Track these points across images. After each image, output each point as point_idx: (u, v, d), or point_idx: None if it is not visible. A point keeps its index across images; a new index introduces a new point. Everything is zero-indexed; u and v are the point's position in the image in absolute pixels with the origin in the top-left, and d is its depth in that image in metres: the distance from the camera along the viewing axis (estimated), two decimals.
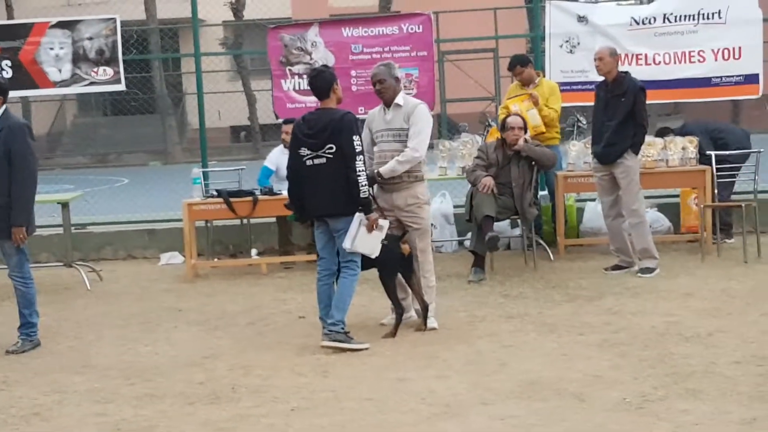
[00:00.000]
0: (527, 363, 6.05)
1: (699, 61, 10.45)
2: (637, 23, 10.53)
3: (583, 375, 5.73)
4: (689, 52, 10.46)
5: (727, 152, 9.63)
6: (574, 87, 10.57)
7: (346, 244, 6.55)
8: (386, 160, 6.99)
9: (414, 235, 7.05)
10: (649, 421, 4.93)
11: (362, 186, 6.50)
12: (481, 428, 4.98)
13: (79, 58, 10.70)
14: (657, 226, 10.15)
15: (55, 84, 10.86)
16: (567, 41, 10.61)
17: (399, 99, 7.04)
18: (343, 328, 6.56)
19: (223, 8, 26.72)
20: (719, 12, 10.35)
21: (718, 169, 9.49)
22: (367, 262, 6.77)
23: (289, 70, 10.66)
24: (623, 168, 8.64)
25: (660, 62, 10.51)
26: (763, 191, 10.40)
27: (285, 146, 9.40)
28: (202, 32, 20.68)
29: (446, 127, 16.72)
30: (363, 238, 6.57)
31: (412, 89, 10.28)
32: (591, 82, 9.81)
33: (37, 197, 7.26)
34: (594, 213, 10.17)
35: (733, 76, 10.42)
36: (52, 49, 10.67)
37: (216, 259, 10.40)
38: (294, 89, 10.65)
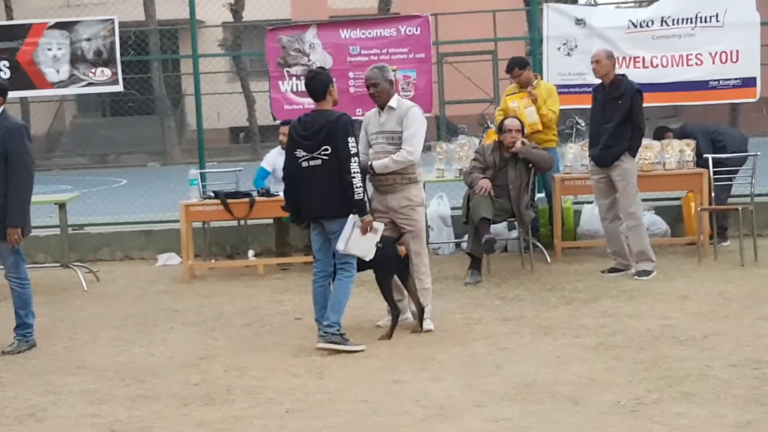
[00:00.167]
0: (522, 365, 6.05)
1: (696, 64, 10.46)
2: (635, 26, 10.54)
3: (577, 378, 5.73)
4: (687, 55, 10.47)
5: (725, 155, 9.64)
6: (572, 90, 10.59)
7: (340, 246, 6.55)
8: None
9: (408, 237, 7.06)
10: (642, 424, 4.93)
11: (357, 188, 6.50)
12: (475, 430, 4.98)
13: (77, 59, 10.71)
14: (654, 229, 10.15)
15: (52, 85, 10.87)
16: (565, 44, 10.63)
17: (393, 102, 7.05)
18: (338, 330, 6.56)
19: (223, 9, 26.73)
20: (717, 15, 10.36)
21: (715, 172, 9.50)
22: (363, 264, 6.78)
23: (287, 71, 10.67)
24: (620, 171, 8.64)
25: (657, 65, 10.53)
26: (760, 195, 10.41)
27: (282, 147, 9.37)
28: (201, 33, 20.71)
29: (445, 130, 16.71)
30: (357, 240, 6.56)
31: (410, 91, 10.28)
32: (589, 85, 9.80)
33: (34, 198, 7.26)
34: (591, 215, 10.17)
35: (730, 80, 10.43)
36: (50, 49, 10.67)
37: (213, 261, 10.41)
38: (292, 91, 10.65)
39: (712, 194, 9.53)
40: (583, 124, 19.87)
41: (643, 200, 9.53)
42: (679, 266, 9.06)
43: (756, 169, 9.48)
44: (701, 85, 10.48)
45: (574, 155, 9.85)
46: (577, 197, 10.58)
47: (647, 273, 8.61)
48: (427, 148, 7.73)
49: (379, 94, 7.02)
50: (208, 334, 7.34)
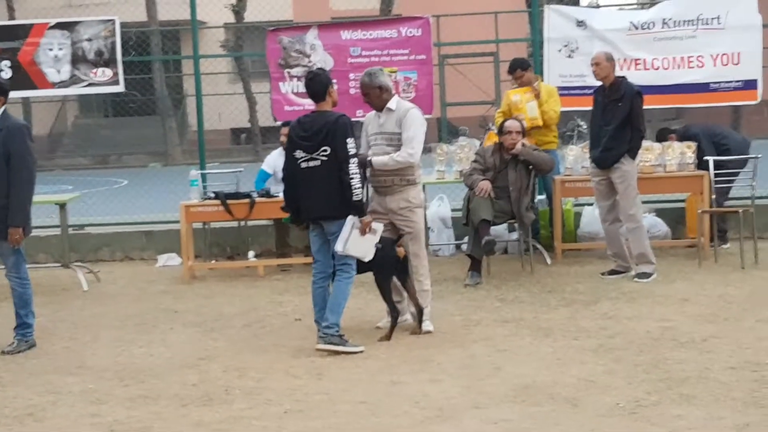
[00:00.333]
0: (521, 367, 6.05)
1: (698, 66, 10.46)
2: (636, 28, 10.54)
3: (577, 380, 5.73)
4: (688, 58, 10.47)
5: (726, 158, 9.63)
6: (573, 92, 10.58)
7: (338, 247, 6.55)
8: None
9: (407, 238, 7.05)
10: (642, 426, 4.93)
11: (355, 189, 6.50)
12: None
13: (78, 59, 10.71)
14: (654, 231, 10.14)
15: (53, 85, 10.88)
16: (566, 46, 10.63)
17: (392, 103, 7.04)
18: (337, 331, 6.56)
19: (225, 10, 26.72)
20: (718, 17, 10.36)
21: (716, 175, 9.50)
22: (362, 265, 6.78)
23: (288, 72, 10.67)
24: (620, 173, 8.64)
25: (659, 67, 10.52)
26: (761, 197, 10.40)
27: (284, 148, 9.39)
28: (203, 34, 20.75)
29: (446, 131, 16.70)
30: (355, 241, 6.56)
31: (411, 93, 10.29)
32: (589, 87, 9.79)
33: (35, 198, 7.27)
34: (591, 217, 10.17)
35: (731, 82, 10.43)
36: (51, 50, 10.68)
37: (213, 261, 10.41)
38: (292, 92, 10.65)
39: (713, 197, 9.53)
40: (585, 126, 19.89)
41: (644, 202, 9.54)
42: (680, 268, 9.05)
43: (757, 172, 9.48)
44: (702, 88, 10.48)
45: (575, 157, 9.85)
46: (577, 199, 10.58)
47: (647, 275, 8.60)
48: (427, 150, 7.74)
49: (371, 100, 7.05)
50: (207, 334, 7.34)
